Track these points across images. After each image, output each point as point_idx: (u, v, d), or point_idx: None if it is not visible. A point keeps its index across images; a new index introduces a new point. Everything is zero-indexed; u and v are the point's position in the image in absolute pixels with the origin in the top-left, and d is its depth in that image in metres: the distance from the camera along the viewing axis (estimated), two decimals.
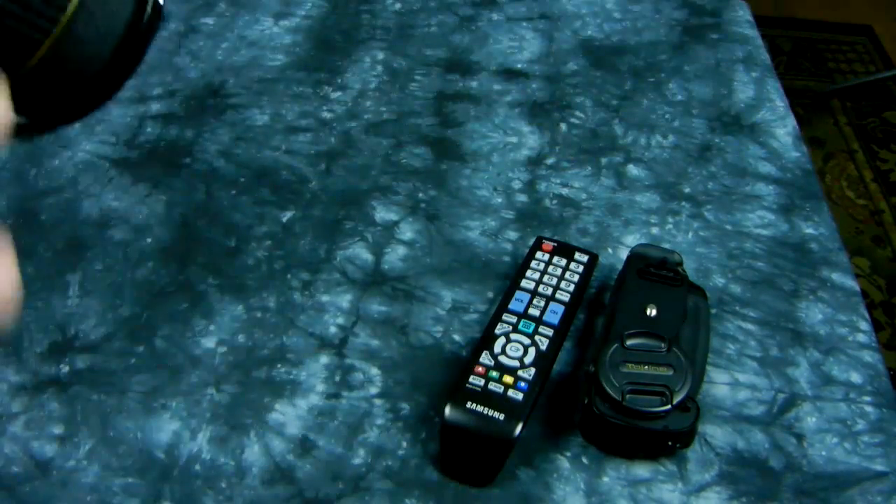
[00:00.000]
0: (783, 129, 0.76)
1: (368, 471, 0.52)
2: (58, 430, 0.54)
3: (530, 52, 0.84)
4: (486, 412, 0.49)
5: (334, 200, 0.69)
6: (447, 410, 0.49)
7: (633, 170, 0.72)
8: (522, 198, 0.69)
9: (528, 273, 0.58)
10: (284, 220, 0.67)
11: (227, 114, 0.77)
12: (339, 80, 0.81)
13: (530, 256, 0.59)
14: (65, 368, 0.57)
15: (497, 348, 0.52)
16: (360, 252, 0.65)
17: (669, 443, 0.50)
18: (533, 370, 0.51)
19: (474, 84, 0.80)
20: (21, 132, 0.74)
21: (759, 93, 0.80)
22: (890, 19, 2.29)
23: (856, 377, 0.57)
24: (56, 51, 0.29)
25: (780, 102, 0.78)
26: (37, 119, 0.34)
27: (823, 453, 0.53)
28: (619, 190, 0.70)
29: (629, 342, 0.51)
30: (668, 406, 0.48)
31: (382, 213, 0.68)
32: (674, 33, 0.87)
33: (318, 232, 0.66)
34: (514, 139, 0.75)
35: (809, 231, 0.67)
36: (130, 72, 0.33)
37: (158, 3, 0.33)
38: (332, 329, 0.60)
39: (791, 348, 0.58)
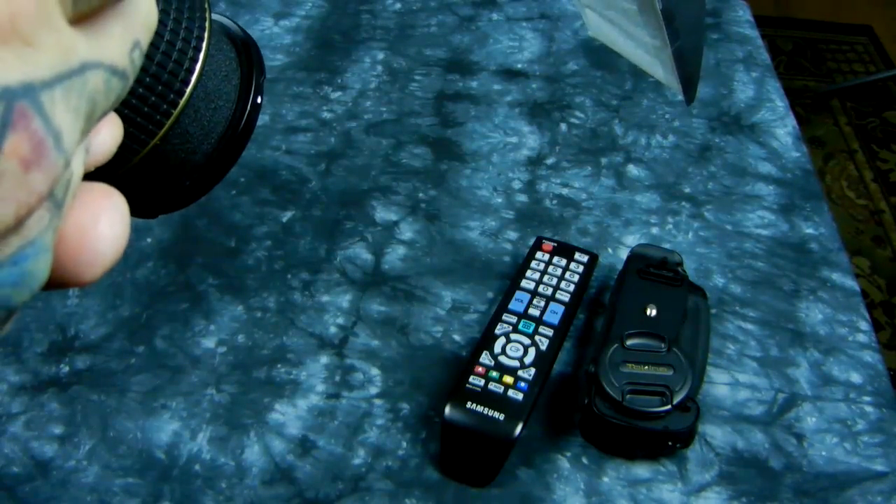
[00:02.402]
0: (783, 129, 0.76)
1: (368, 471, 0.52)
2: (58, 430, 0.54)
3: (530, 52, 0.84)
4: (486, 412, 0.49)
5: (334, 200, 0.69)
6: (447, 410, 0.49)
7: (633, 170, 0.72)
8: (522, 198, 0.69)
9: (528, 273, 0.58)
10: (284, 220, 0.67)
11: None
12: (339, 80, 0.81)
13: (530, 256, 0.59)
14: (65, 368, 0.57)
15: (497, 348, 0.52)
16: (360, 252, 0.65)
17: (669, 443, 0.50)
18: (533, 370, 0.51)
19: (474, 84, 0.80)
20: None
21: (759, 93, 0.80)
22: (890, 19, 2.29)
23: (856, 377, 0.57)
24: (159, 149, 0.30)
25: (780, 102, 0.78)
26: (134, 213, 0.34)
27: (823, 453, 0.53)
28: (619, 190, 0.70)
29: (629, 342, 0.51)
30: (668, 406, 0.48)
31: (382, 213, 0.68)
32: None
33: (318, 232, 0.66)
34: (514, 139, 0.74)
35: (809, 231, 0.67)
36: (229, 167, 0.33)
37: (258, 102, 0.33)
38: (332, 329, 0.60)
39: (791, 348, 0.58)
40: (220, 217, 0.68)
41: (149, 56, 0.27)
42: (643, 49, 0.39)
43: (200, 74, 0.29)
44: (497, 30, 0.87)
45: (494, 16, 0.89)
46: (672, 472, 0.52)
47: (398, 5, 0.90)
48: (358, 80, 0.81)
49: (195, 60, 0.29)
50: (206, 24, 0.30)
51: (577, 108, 0.78)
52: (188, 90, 0.29)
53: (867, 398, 0.56)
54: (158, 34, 0.28)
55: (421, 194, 0.69)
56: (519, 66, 0.83)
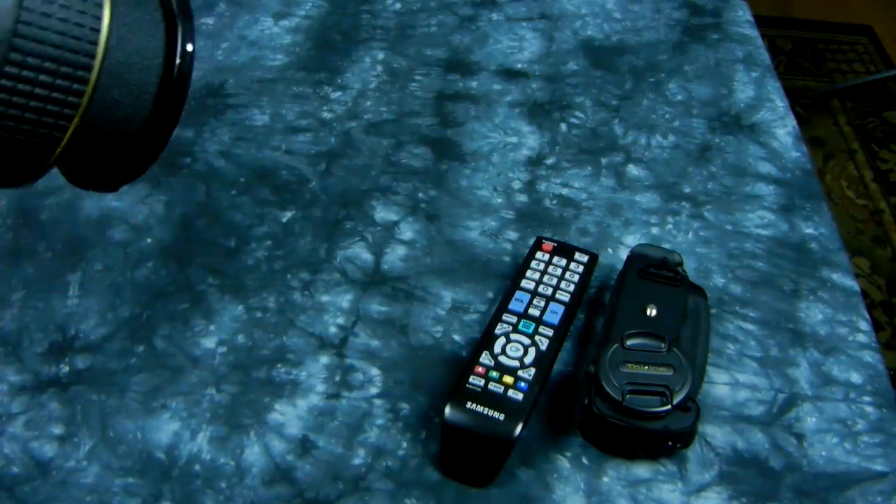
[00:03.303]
0: (783, 129, 0.76)
1: (368, 471, 0.52)
2: (58, 430, 0.54)
3: (530, 52, 0.84)
4: (486, 412, 0.49)
5: (334, 200, 0.69)
6: (447, 410, 0.49)
7: (633, 170, 0.72)
8: (522, 198, 0.69)
9: (528, 273, 0.58)
10: (284, 220, 0.67)
11: (227, 114, 0.77)
12: (339, 80, 0.81)
13: (530, 256, 0.59)
14: (65, 368, 0.57)
15: (497, 348, 0.52)
16: (360, 252, 0.65)
17: (669, 443, 0.50)
18: (533, 370, 0.51)
19: (474, 84, 0.80)
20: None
21: (759, 93, 0.80)
22: (890, 19, 2.29)
23: (856, 377, 0.57)
24: (87, 125, 0.28)
25: (780, 102, 0.78)
26: (83, 186, 0.33)
27: (823, 453, 0.53)
28: (619, 190, 0.70)
29: (629, 342, 0.51)
30: (668, 406, 0.48)
31: (382, 213, 0.68)
32: (674, 33, 0.87)
33: (318, 232, 0.66)
34: (514, 139, 0.75)
35: (809, 231, 0.67)
36: (172, 125, 0.31)
37: (187, 50, 0.31)
38: (332, 329, 0.60)
39: (791, 348, 0.58)
40: (220, 217, 0.68)
41: (42, 35, 0.25)
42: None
43: (108, 40, 0.27)
44: (497, 30, 0.87)
45: (494, 16, 0.89)
46: (672, 472, 0.52)
47: (398, 5, 0.90)
48: (358, 80, 0.81)
49: (97, 30, 0.27)
50: None
51: (577, 108, 0.78)
52: (96, 62, 0.27)
53: (867, 398, 0.56)
54: (46, 9, 0.26)
55: (421, 194, 0.69)
56: (519, 66, 0.83)
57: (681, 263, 0.57)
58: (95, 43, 0.26)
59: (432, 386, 0.56)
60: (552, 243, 0.60)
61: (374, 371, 0.57)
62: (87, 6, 0.26)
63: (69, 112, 0.26)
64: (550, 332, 0.53)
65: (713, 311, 0.60)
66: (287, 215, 0.68)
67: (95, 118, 0.28)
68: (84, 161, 0.31)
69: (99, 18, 0.27)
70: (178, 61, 0.30)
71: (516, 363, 0.51)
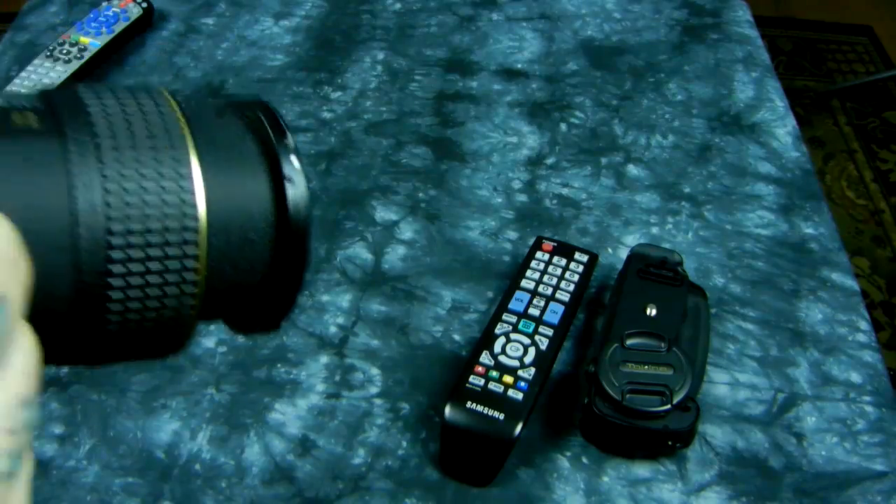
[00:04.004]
0: (783, 129, 0.76)
1: (368, 470, 0.52)
2: (58, 429, 0.54)
3: (530, 52, 0.84)
4: (486, 412, 0.49)
5: (334, 200, 0.69)
6: (447, 410, 0.49)
7: (633, 170, 0.72)
8: (522, 198, 0.69)
9: (528, 273, 0.58)
10: None
11: None
12: (339, 80, 0.81)
13: (530, 256, 0.59)
14: (65, 368, 0.57)
15: (497, 348, 0.52)
16: (360, 252, 0.65)
17: (669, 442, 0.50)
18: (533, 370, 0.51)
19: (474, 84, 0.80)
20: None
21: (759, 93, 0.80)
22: (890, 19, 2.29)
23: (856, 377, 0.57)
24: (212, 284, 0.26)
25: (780, 102, 0.78)
26: (244, 332, 0.31)
27: (823, 453, 0.53)
28: (619, 190, 0.70)
29: (629, 342, 0.51)
30: (668, 406, 0.48)
31: (382, 213, 0.68)
32: (674, 33, 0.87)
33: (318, 232, 0.66)
34: (514, 139, 0.75)
35: (809, 231, 0.67)
36: (302, 264, 0.28)
37: (296, 168, 0.26)
38: (332, 329, 0.60)
39: (791, 348, 0.58)
40: None
41: (135, 212, 0.23)
42: None
43: (207, 195, 0.24)
44: (497, 30, 0.87)
45: (494, 16, 0.89)
46: (672, 472, 0.52)
47: (398, 5, 0.90)
48: (358, 80, 0.81)
49: (189, 190, 0.24)
50: (187, 142, 0.24)
51: (577, 108, 0.78)
52: (200, 221, 0.24)
53: (867, 398, 0.56)
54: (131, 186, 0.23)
55: (421, 194, 0.69)
56: (519, 66, 0.83)
57: (681, 263, 0.57)
58: (192, 194, 0.24)
59: (432, 386, 0.56)
60: (552, 243, 0.60)
61: (374, 371, 0.57)
62: (172, 164, 0.24)
63: (189, 285, 0.24)
64: (550, 332, 0.53)
65: (713, 311, 0.60)
66: None
67: (219, 276, 0.26)
68: (230, 313, 0.29)
69: (188, 174, 0.24)
70: (289, 199, 0.26)
71: (516, 363, 0.51)
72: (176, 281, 0.24)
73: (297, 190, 0.26)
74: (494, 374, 0.50)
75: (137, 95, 0.25)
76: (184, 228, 0.23)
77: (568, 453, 0.53)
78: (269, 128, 0.27)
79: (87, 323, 0.23)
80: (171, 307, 0.24)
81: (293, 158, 0.26)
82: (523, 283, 0.57)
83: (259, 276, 0.27)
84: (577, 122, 0.76)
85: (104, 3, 0.84)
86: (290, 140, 0.27)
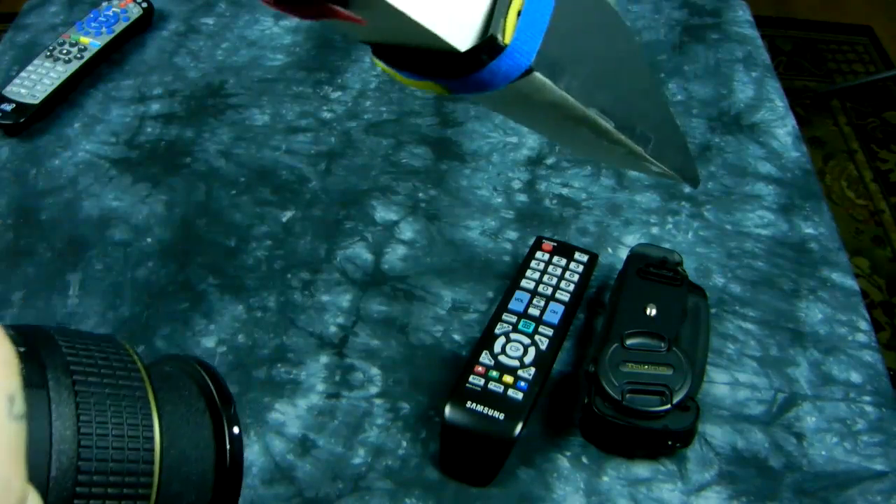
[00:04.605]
0: (783, 129, 0.76)
1: (368, 470, 0.52)
2: None
3: None
4: (486, 412, 0.49)
5: (334, 200, 0.69)
6: (447, 410, 0.49)
7: None
8: (522, 198, 0.69)
9: (528, 273, 0.58)
10: (284, 220, 0.67)
11: (227, 114, 0.77)
12: (339, 80, 0.81)
13: (530, 256, 0.59)
14: None
15: (497, 348, 0.52)
16: (360, 252, 0.65)
17: (669, 442, 0.50)
18: (533, 370, 0.51)
19: None
20: (22, 135, 0.75)
21: (759, 93, 0.80)
22: (890, 19, 2.29)
23: (856, 377, 0.57)
24: None
25: (780, 102, 0.78)
26: None
27: (823, 453, 0.53)
28: (619, 190, 0.70)
29: (629, 342, 0.51)
30: (668, 406, 0.48)
31: (382, 213, 0.68)
32: (674, 33, 0.87)
33: (318, 232, 0.66)
34: (514, 139, 0.75)
35: (809, 231, 0.67)
36: (235, 500, 0.33)
37: (234, 435, 0.33)
38: (332, 329, 0.60)
39: (791, 348, 0.58)
40: (220, 217, 0.68)
41: (102, 457, 0.26)
42: (628, 162, 0.40)
43: (162, 443, 0.28)
44: None
45: None
46: (672, 472, 0.52)
47: None
48: (358, 80, 0.81)
49: (150, 438, 0.28)
50: (151, 409, 0.28)
51: None
52: (155, 467, 0.28)
53: (867, 398, 0.56)
54: (102, 431, 0.27)
55: (421, 194, 0.69)
56: None
57: (681, 263, 0.57)
58: (152, 450, 0.28)
59: (432, 385, 0.56)
60: (552, 243, 0.60)
61: (374, 371, 0.57)
62: (138, 417, 0.28)
63: None
64: (550, 332, 0.53)
65: (713, 310, 0.60)
66: (287, 215, 0.68)
67: None
68: None
69: (150, 426, 0.28)
70: (228, 446, 0.32)
71: (516, 363, 0.51)
72: None
73: (233, 448, 0.31)
74: (494, 374, 0.50)
75: (104, 348, 0.29)
76: (141, 479, 0.27)
77: (568, 453, 0.53)
78: (215, 392, 0.33)
79: None
80: None
81: (234, 429, 0.32)
82: (523, 283, 0.57)
83: None
84: None
85: (104, 3, 0.84)
86: (233, 409, 0.33)
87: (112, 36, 0.81)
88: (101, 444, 0.26)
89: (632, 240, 0.65)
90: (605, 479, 0.51)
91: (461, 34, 0.32)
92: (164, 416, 0.29)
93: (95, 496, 0.26)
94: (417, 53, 0.34)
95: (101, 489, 0.26)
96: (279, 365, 0.57)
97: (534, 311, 0.55)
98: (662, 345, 0.51)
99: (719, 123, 0.76)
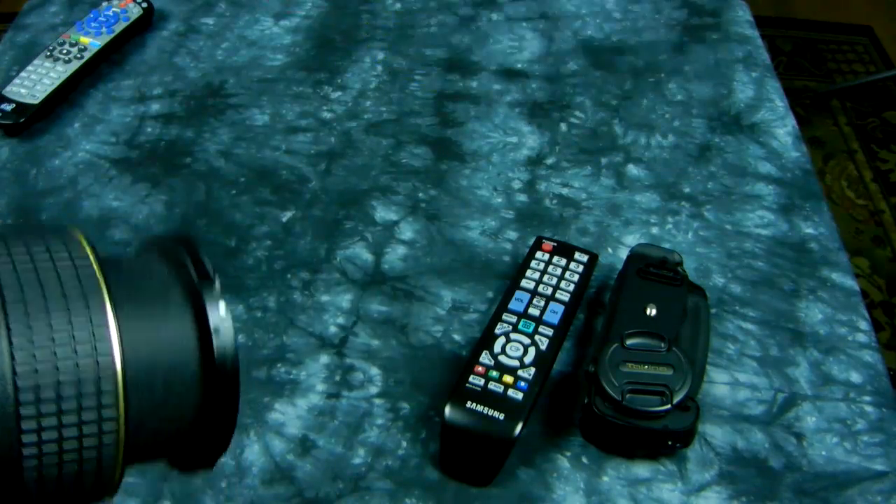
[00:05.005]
0: (783, 129, 0.76)
1: (368, 470, 0.52)
2: None
3: (530, 52, 0.84)
4: (486, 412, 0.49)
5: (334, 200, 0.69)
6: (447, 410, 0.49)
7: (633, 170, 0.72)
8: (522, 198, 0.69)
9: (528, 273, 0.58)
10: (284, 220, 0.67)
11: (227, 114, 0.77)
12: (339, 80, 0.81)
13: (530, 256, 0.59)
14: None
15: (497, 348, 0.52)
16: (360, 252, 0.65)
17: (669, 442, 0.50)
18: (533, 370, 0.51)
19: (474, 84, 0.80)
20: (23, 135, 0.75)
21: (759, 93, 0.80)
22: (890, 19, 2.29)
23: (856, 377, 0.57)
24: (134, 438, 0.25)
25: (780, 102, 0.78)
26: (181, 469, 0.30)
27: (823, 453, 0.53)
28: (619, 190, 0.70)
29: (629, 342, 0.51)
30: (668, 406, 0.48)
31: (382, 213, 0.68)
32: (674, 33, 0.87)
33: (318, 232, 0.66)
34: (514, 139, 0.75)
35: (809, 231, 0.67)
36: (234, 409, 0.27)
37: (221, 316, 0.27)
38: (332, 329, 0.60)
39: (791, 348, 0.58)
40: (220, 217, 0.68)
41: (45, 370, 0.22)
42: None
43: (122, 346, 0.24)
44: (497, 30, 0.87)
45: (494, 16, 0.89)
46: (672, 472, 0.52)
47: (398, 5, 0.90)
48: (358, 80, 0.81)
49: (107, 339, 0.24)
50: (104, 302, 0.24)
51: (577, 108, 0.78)
52: (117, 374, 0.24)
53: (867, 398, 0.56)
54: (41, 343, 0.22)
55: (421, 194, 0.69)
56: (519, 66, 0.83)
57: (681, 263, 0.57)
58: (109, 355, 0.24)
59: (432, 386, 0.56)
60: (552, 243, 0.60)
61: (374, 371, 0.57)
62: (87, 321, 0.23)
63: (110, 447, 0.24)
64: (550, 332, 0.53)
65: (713, 310, 0.60)
66: (287, 215, 0.68)
67: (142, 430, 0.25)
68: (163, 456, 0.28)
69: (104, 328, 0.24)
70: (217, 352, 0.26)
71: (516, 363, 0.51)
72: (93, 444, 0.23)
73: (223, 338, 0.26)
74: (494, 374, 0.50)
75: (52, 245, 0.24)
76: (99, 392, 0.23)
77: (568, 453, 0.53)
78: (194, 273, 0.27)
79: (5, 485, 0.23)
80: (91, 467, 0.24)
81: (220, 306, 0.26)
82: (523, 283, 0.57)
83: (188, 424, 0.26)
84: (577, 122, 0.76)
85: (104, 3, 0.84)
86: (215, 286, 0.27)
87: (112, 36, 0.81)
88: (42, 357, 0.22)
89: (632, 240, 0.65)
90: (605, 479, 0.51)
91: None
92: (124, 317, 0.25)
93: (46, 414, 0.23)
94: None
95: (51, 406, 0.22)
96: (279, 365, 0.57)
97: (534, 311, 0.55)
98: (662, 345, 0.51)
99: (719, 123, 0.76)
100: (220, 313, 0.26)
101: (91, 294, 0.24)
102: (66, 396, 0.23)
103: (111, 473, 0.25)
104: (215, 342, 0.26)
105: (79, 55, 0.78)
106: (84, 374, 0.23)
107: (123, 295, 0.25)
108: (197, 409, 0.26)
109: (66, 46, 0.79)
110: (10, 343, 0.22)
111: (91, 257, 0.25)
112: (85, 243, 0.25)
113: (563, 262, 0.59)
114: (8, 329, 0.22)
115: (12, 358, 0.22)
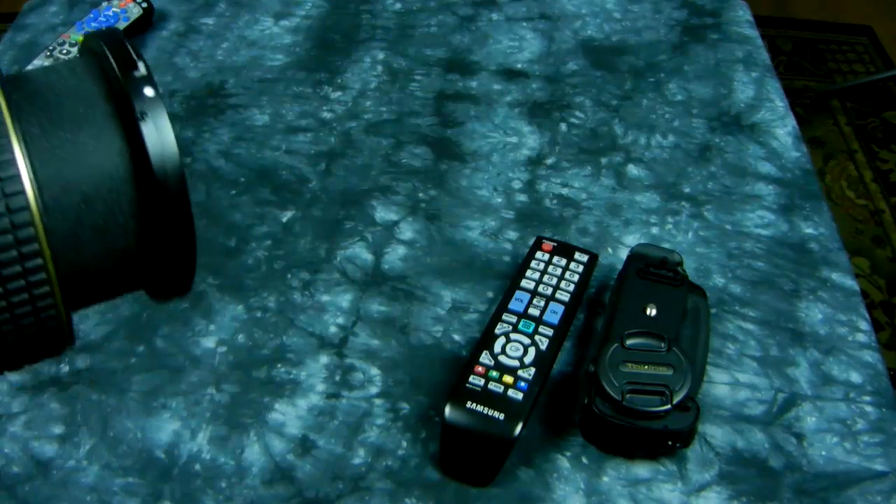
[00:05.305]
0: (783, 129, 0.76)
1: (368, 471, 0.52)
2: (58, 429, 0.54)
3: (530, 52, 0.84)
4: (486, 412, 0.49)
5: (334, 200, 0.69)
6: (447, 410, 0.49)
7: (633, 170, 0.72)
8: (522, 198, 0.69)
9: (528, 273, 0.58)
10: (284, 220, 0.67)
11: (227, 114, 0.77)
12: (339, 80, 0.81)
13: (530, 256, 0.59)
14: (65, 368, 0.57)
15: (497, 348, 0.52)
16: (360, 252, 0.65)
17: (669, 442, 0.50)
18: (533, 370, 0.51)
19: (474, 84, 0.80)
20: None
21: (759, 93, 0.80)
22: (890, 19, 2.29)
23: (856, 377, 0.57)
24: (68, 275, 0.22)
25: (780, 102, 0.78)
26: (159, 299, 0.28)
27: (823, 453, 0.53)
28: (619, 190, 0.70)
29: (629, 342, 0.51)
30: (668, 406, 0.48)
31: (382, 213, 0.68)
32: (674, 33, 0.87)
33: (318, 232, 0.66)
34: (514, 139, 0.75)
35: (809, 231, 0.67)
36: (187, 220, 0.25)
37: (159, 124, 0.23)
38: (332, 329, 0.60)
39: (791, 348, 0.58)
40: (220, 217, 0.68)
41: None
42: None
43: (34, 170, 0.21)
44: (497, 30, 0.87)
45: (494, 16, 0.89)
46: (672, 472, 0.52)
47: (398, 5, 0.90)
48: (358, 80, 0.81)
49: (18, 200, 0.21)
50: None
51: (577, 108, 0.78)
52: (32, 205, 0.21)
53: (867, 398, 0.56)
54: None
55: (421, 194, 0.69)
56: (519, 66, 0.83)
57: (681, 263, 0.57)
58: (16, 177, 0.21)
59: (432, 386, 0.56)
60: (552, 243, 0.60)
61: (374, 371, 0.57)
62: None
63: (41, 286, 0.21)
64: (550, 332, 0.53)
65: (713, 311, 0.60)
66: (287, 215, 0.68)
67: (76, 262, 0.22)
68: (121, 286, 0.25)
69: (8, 152, 0.21)
70: (149, 148, 0.22)
71: (516, 363, 0.51)
72: (18, 287, 0.21)
73: (157, 137, 0.22)
74: (494, 374, 0.50)
75: None
76: (14, 226, 0.21)
77: (568, 453, 0.53)
78: (116, 68, 0.23)
79: None
80: (26, 313, 0.21)
81: (146, 91, 0.22)
82: (523, 283, 0.57)
83: (134, 245, 0.24)
84: (577, 122, 0.76)
85: (104, 3, 0.84)
86: (140, 69, 0.23)
87: None
88: None
89: (632, 240, 0.65)
90: (605, 479, 0.51)
91: None
92: (32, 139, 0.21)
93: None
94: None
95: None
96: (279, 365, 0.57)
97: (534, 312, 0.55)
98: (662, 345, 0.51)
99: (719, 123, 0.76)
100: (146, 104, 0.22)
101: None
102: None
103: (55, 316, 0.22)
104: (149, 144, 0.22)
105: None
106: None
107: (31, 119, 0.22)
108: (138, 225, 0.23)
109: (66, 46, 0.79)
110: None
111: None
112: None
113: (563, 262, 0.59)
114: None
115: None
